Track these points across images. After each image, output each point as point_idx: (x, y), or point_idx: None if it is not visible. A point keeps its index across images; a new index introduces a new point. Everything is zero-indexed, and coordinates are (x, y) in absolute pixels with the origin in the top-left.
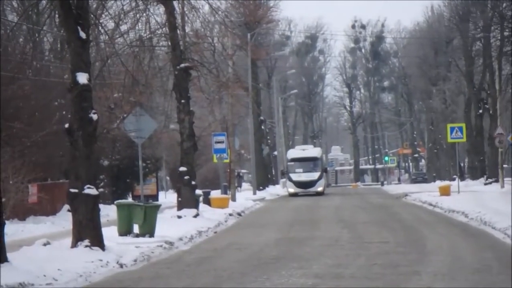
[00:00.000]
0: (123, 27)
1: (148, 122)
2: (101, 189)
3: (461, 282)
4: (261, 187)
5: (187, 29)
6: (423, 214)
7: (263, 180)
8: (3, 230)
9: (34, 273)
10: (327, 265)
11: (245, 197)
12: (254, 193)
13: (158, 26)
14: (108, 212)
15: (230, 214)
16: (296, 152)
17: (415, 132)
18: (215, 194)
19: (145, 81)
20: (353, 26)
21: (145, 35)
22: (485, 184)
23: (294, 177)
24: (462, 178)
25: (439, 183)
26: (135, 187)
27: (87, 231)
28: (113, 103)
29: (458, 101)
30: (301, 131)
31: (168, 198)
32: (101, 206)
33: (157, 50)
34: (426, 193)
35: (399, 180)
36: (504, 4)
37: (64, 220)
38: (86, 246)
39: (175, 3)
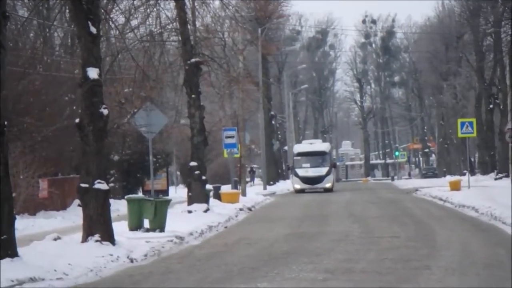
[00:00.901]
0: (134, 22)
1: (158, 117)
2: (111, 184)
3: (471, 277)
4: (271, 182)
5: (198, 24)
6: (434, 209)
7: (274, 175)
8: (14, 225)
9: (45, 268)
10: (338, 260)
11: (256, 192)
12: (265, 188)
13: (169, 21)
14: (119, 207)
15: (241, 209)
16: (303, 146)
17: (425, 127)
18: (226, 189)
19: (155, 76)
20: (364, 21)
21: (155, 30)
22: (496, 179)
23: (301, 172)
24: (472, 173)
25: (449, 178)
26: (145, 182)
27: (98, 226)
28: (123, 98)
29: (468, 96)
30: (312, 126)
31: (178, 193)
32: (111, 201)
33: (168, 45)
34: (437, 188)
35: (409, 175)
36: None
37: (74, 215)
38: (97, 241)
39: None
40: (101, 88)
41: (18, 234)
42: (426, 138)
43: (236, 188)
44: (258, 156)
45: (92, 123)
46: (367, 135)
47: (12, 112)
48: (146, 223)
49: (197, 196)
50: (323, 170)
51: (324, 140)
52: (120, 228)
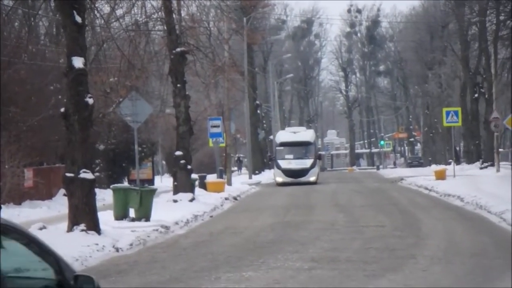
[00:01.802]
0: (119, 11)
1: (144, 107)
2: (97, 174)
3: (457, 265)
4: (257, 172)
5: (183, 13)
6: (419, 198)
7: (259, 164)
8: None
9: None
10: (323, 249)
11: (241, 181)
12: (250, 177)
13: (154, 10)
14: (104, 197)
15: (226, 198)
16: (287, 135)
17: (410, 116)
18: (211, 178)
19: (141, 66)
20: (349, 11)
21: (141, 19)
22: (481, 168)
23: (283, 164)
24: (457, 162)
25: (434, 167)
26: (131, 171)
27: (83, 215)
28: (109, 87)
29: (453, 85)
30: (297, 115)
31: (164, 182)
32: (97, 190)
33: (153, 35)
34: (422, 177)
35: (394, 164)
36: None
37: (60, 204)
38: (82, 230)
39: None
40: (86, 78)
41: None
42: (411, 127)
43: (221, 177)
44: (243, 145)
45: (77, 113)
46: (352, 124)
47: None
48: (132, 213)
49: (183, 185)
50: (307, 163)
51: (314, 133)
52: (105, 217)
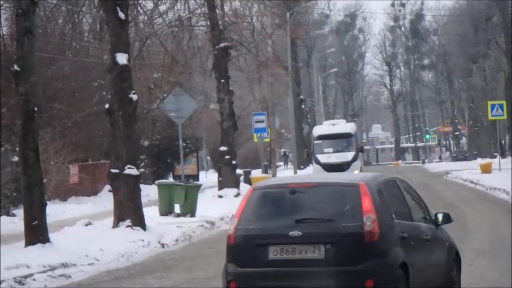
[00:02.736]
0: (162, 7)
1: (187, 102)
2: (141, 169)
3: (502, 259)
4: (301, 166)
5: (226, 8)
6: (464, 191)
7: (304, 159)
8: (45, 211)
9: (76, 253)
10: None
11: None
12: (295, 172)
13: (197, 6)
14: (149, 192)
15: None
16: (325, 128)
17: (455, 110)
18: (256, 173)
19: (184, 61)
20: (393, 4)
21: (184, 15)
22: None
23: (322, 158)
24: (503, 155)
25: (480, 161)
26: (175, 167)
27: (128, 211)
28: (152, 83)
29: (498, 78)
30: (342, 110)
31: (209, 177)
32: (141, 186)
33: (196, 30)
34: (467, 171)
35: (440, 158)
36: None
37: (105, 200)
38: (128, 226)
39: None
40: (130, 74)
41: (49, 220)
42: (456, 121)
43: (266, 172)
44: (288, 140)
45: (121, 109)
46: (397, 119)
47: (42, 98)
48: (177, 208)
49: (228, 180)
50: (348, 156)
51: (355, 125)
52: (150, 213)
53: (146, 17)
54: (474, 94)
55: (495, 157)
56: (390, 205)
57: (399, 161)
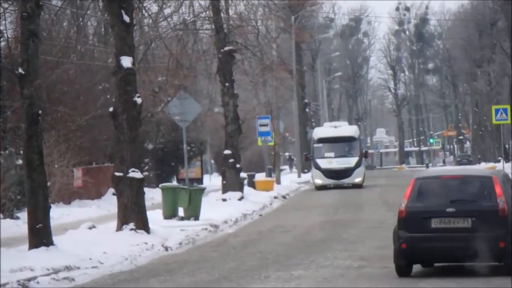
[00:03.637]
0: (167, 11)
1: (192, 106)
2: (145, 173)
3: None
4: (305, 170)
5: (231, 12)
6: None
7: (308, 163)
8: (49, 214)
9: (80, 256)
10: (373, 247)
11: (290, 180)
12: (299, 176)
13: (202, 9)
14: (153, 196)
15: (275, 197)
16: (326, 130)
17: (459, 114)
18: (260, 177)
19: (189, 65)
20: (397, 9)
21: (188, 18)
22: None
23: (323, 163)
24: (507, 159)
25: (484, 165)
26: (179, 170)
27: (132, 214)
28: (157, 86)
29: (502, 82)
30: (346, 114)
31: (213, 181)
32: (146, 189)
33: (201, 34)
34: None
35: (444, 162)
36: None
37: (109, 203)
38: (131, 229)
39: None
40: (134, 77)
41: (53, 223)
42: (460, 125)
43: (270, 176)
44: (292, 144)
45: (126, 112)
46: (401, 123)
47: (46, 102)
48: (181, 212)
49: (232, 184)
50: (351, 161)
51: (358, 128)
52: (154, 216)
53: (151, 21)
54: (479, 99)
55: (499, 161)
56: (509, 192)
57: (403, 165)
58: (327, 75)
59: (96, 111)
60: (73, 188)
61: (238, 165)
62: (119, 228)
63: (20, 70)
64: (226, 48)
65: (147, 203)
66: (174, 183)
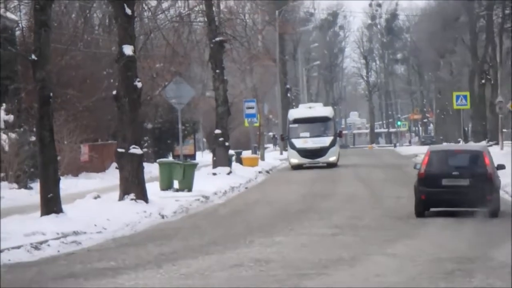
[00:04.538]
0: (165, 4)
1: (187, 90)
2: (145, 149)
3: (468, 228)
4: (287, 148)
5: (222, 6)
6: None
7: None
8: (59, 185)
9: (86, 223)
10: (346, 217)
11: (273, 157)
12: (281, 153)
13: (196, 3)
14: (151, 170)
15: (260, 172)
16: (301, 111)
17: (424, 100)
18: (246, 154)
19: (184, 53)
20: (370, 5)
21: (184, 11)
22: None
23: (298, 143)
24: (466, 141)
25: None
26: (175, 147)
27: (133, 186)
28: (155, 72)
29: (463, 72)
30: (323, 99)
31: (204, 157)
32: (145, 164)
33: (195, 25)
34: None
35: (409, 142)
36: None
37: (112, 176)
38: (132, 199)
39: None
40: (135, 64)
41: (62, 193)
42: (425, 109)
43: (255, 153)
44: (275, 125)
45: (127, 95)
46: (372, 107)
47: (56, 85)
48: (176, 184)
49: (221, 160)
50: (326, 140)
51: (333, 109)
52: (152, 188)
53: (150, 13)
54: (441, 86)
55: (459, 142)
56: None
57: (373, 145)
58: (306, 64)
59: (101, 94)
60: (80, 163)
61: (227, 143)
62: (121, 198)
63: (33, 56)
64: (217, 39)
65: (146, 176)
66: (170, 158)
